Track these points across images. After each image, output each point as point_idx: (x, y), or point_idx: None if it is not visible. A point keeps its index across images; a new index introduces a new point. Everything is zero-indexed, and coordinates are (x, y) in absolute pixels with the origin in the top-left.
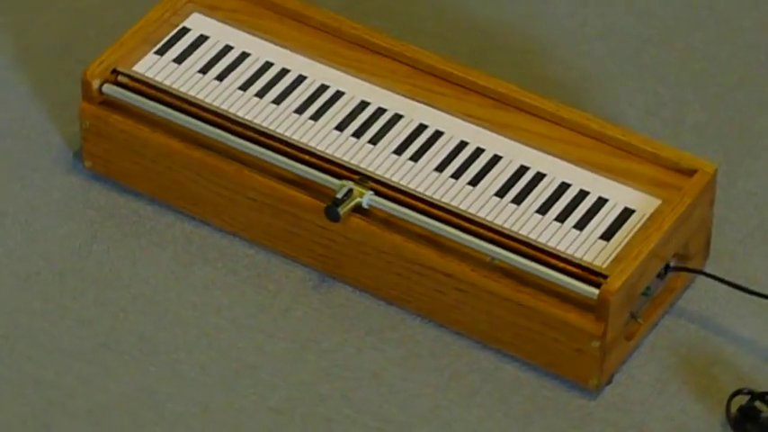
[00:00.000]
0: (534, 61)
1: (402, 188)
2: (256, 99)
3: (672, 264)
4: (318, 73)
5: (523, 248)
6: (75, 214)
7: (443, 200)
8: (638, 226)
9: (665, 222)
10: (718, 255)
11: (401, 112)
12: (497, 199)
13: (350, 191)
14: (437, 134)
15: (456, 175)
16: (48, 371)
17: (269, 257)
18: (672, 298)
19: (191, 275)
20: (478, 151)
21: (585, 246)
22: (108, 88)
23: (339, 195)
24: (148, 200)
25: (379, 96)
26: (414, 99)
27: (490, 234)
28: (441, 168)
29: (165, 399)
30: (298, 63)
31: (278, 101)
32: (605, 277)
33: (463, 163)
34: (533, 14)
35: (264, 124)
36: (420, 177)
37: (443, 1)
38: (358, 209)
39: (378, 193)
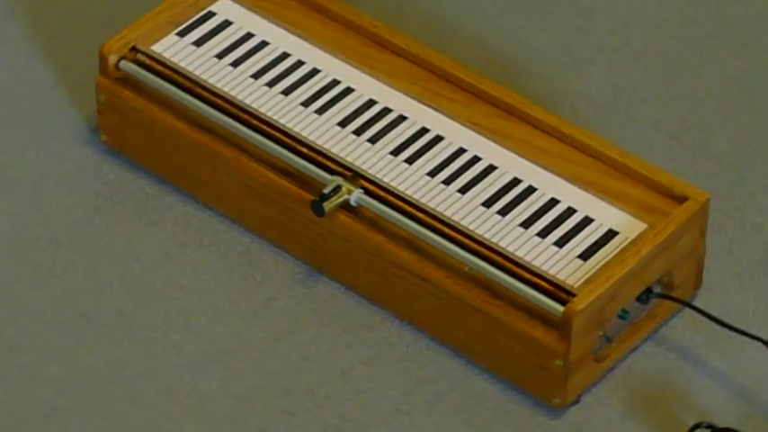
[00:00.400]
0: (568, 75)
1: (391, 189)
2: (266, 88)
3: (656, 290)
4: (333, 68)
5: (499, 260)
6: (84, 186)
7: (429, 204)
8: (619, 248)
9: (644, 247)
10: (713, 285)
11: (406, 114)
12: (483, 209)
13: (338, 187)
14: (437, 139)
15: (447, 182)
16: (24, 336)
17: (262, 246)
18: (654, 324)
19: (182, 257)
20: (475, 159)
21: (562, 263)
22: (125, 65)
23: (326, 190)
24: (157, 178)
25: (387, 96)
26: (422, 102)
27: (469, 243)
28: (433, 173)
29: (133, 376)
30: (314, 56)
31: (287, 92)
32: (574, 296)
33: (457, 170)
34: (576, 29)
35: (269, 114)
36: (411, 180)
37: (486, 10)
38: (346, 206)
39: (367, 192)
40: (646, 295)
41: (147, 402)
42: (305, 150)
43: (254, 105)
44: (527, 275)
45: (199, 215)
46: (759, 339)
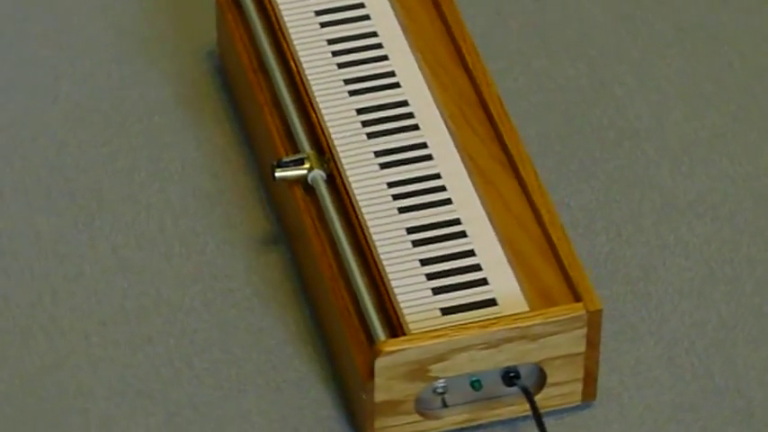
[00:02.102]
0: (665, 168)
1: (345, 182)
2: (327, 56)
3: (527, 380)
4: (401, 62)
5: (377, 280)
6: (172, 87)
7: (362, 209)
8: (478, 318)
9: (494, 326)
10: (614, 405)
11: (421, 125)
12: (403, 233)
13: (301, 160)
14: (425, 157)
15: (397, 197)
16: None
17: (264, 199)
18: (513, 412)
19: (191, 177)
20: (439, 188)
21: (421, 308)
22: None
23: (286, 159)
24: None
25: (421, 104)
26: (446, 121)
27: (367, 254)
28: (393, 185)
29: (50, 253)
30: (395, 45)
31: (342, 65)
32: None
33: (414, 191)
34: (713, 135)
35: (309, 77)
36: (367, 183)
37: (636, 85)
38: (304, 182)
39: (329, 177)
40: (510, 379)
41: (44, 279)
42: (313, 118)
43: (303, 65)
44: (387, 303)
45: (238, 149)
46: None
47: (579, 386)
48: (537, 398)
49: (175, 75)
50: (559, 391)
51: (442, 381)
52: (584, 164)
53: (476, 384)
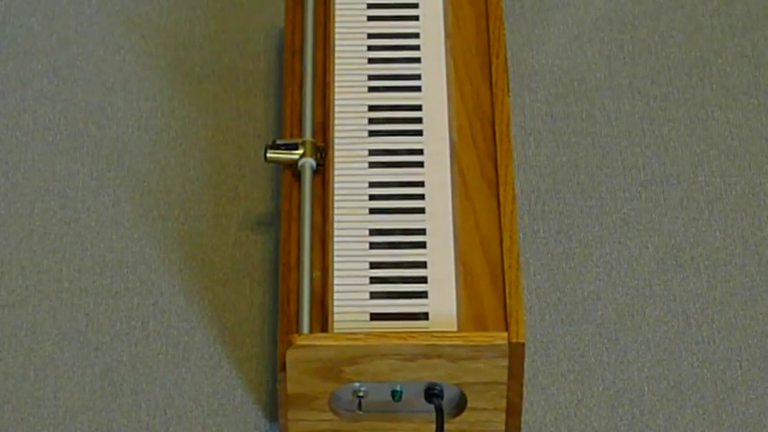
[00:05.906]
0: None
1: (329, 175)
2: (362, 50)
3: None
4: (432, 66)
5: (326, 274)
6: (233, 56)
7: (335, 204)
8: (401, 330)
9: (413, 339)
10: None
11: (425, 132)
12: (365, 233)
13: (295, 145)
14: (417, 164)
15: (374, 197)
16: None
17: (274, 179)
18: (428, 429)
19: (210, 145)
20: (417, 196)
21: (353, 309)
22: None
23: (280, 141)
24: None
25: (433, 111)
26: (451, 133)
27: (325, 247)
28: (375, 185)
29: (43, 188)
30: (433, 50)
31: (373, 61)
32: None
33: (393, 195)
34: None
35: (337, 65)
36: (351, 178)
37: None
38: (295, 166)
39: (318, 167)
40: (431, 396)
41: (40, 217)
42: (325, 107)
43: (336, 54)
44: (326, 299)
45: (271, 126)
46: None
47: (502, 416)
48: (456, 420)
49: (241, 46)
50: (479, 418)
51: (361, 384)
52: (603, 200)
53: (396, 394)
